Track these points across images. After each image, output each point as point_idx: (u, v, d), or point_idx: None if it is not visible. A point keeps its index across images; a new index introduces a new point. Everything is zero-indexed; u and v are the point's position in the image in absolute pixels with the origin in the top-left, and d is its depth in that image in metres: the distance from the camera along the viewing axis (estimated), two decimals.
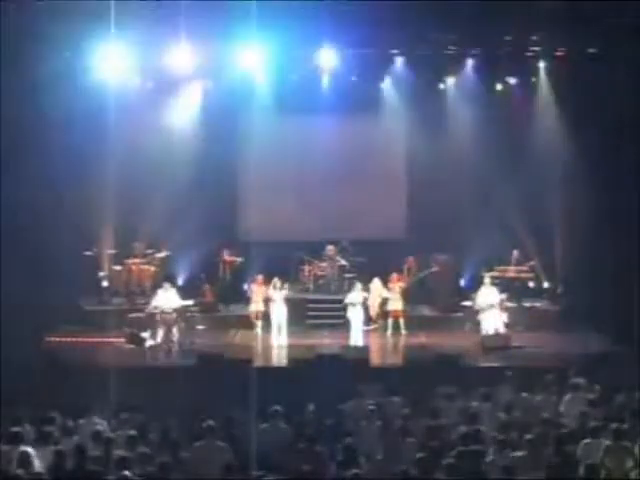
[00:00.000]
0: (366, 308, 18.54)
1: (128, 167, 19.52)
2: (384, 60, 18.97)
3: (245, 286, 20.21)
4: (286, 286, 18.33)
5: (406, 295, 19.21)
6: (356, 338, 17.52)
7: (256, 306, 18.64)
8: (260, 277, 18.78)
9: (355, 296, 17.86)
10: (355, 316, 17.70)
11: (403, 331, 18.61)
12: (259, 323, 18.64)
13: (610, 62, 17.56)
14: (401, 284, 18.97)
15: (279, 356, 17.09)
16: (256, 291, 18.61)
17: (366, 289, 18.41)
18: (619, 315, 16.98)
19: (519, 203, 19.60)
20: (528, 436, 9.76)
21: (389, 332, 18.65)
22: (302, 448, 9.75)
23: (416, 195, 21.58)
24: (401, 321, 18.67)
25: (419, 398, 12.13)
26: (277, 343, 17.62)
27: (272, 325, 17.85)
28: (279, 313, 17.80)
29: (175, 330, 17.39)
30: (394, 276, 18.92)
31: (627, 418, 10.71)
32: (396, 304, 18.68)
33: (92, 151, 18.94)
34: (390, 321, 18.71)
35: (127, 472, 8.67)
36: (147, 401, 12.26)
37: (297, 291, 20.46)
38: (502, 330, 17.68)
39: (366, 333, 18.35)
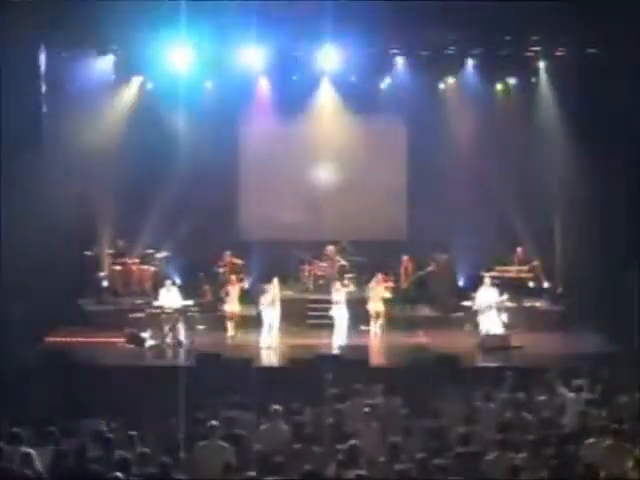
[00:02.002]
0: (365, 308, 18.57)
1: (128, 166, 19.55)
2: (384, 60, 18.96)
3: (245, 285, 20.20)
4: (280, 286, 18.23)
5: (403, 294, 19.20)
6: (341, 338, 17.44)
7: (231, 307, 18.38)
8: (234, 277, 18.67)
9: (337, 295, 17.79)
10: (338, 315, 17.65)
11: (378, 331, 18.39)
12: (232, 323, 18.42)
13: (610, 62, 17.55)
14: (388, 284, 18.88)
15: (278, 356, 17.06)
16: (231, 291, 18.49)
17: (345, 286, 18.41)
18: (619, 315, 16.98)
19: (519, 203, 19.59)
20: (528, 436, 9.77)
21: (375, 333, 18.48)
22: (302, 448, 9.76)
23: (416, 195, 21.59)
24: (379, 322, 18.46)
25: (419, 398, 12.14)
26: (267, 344, 17.48)
27: (263, 325, 17.63)
28: (274, 314, 17.68)
29: (177, 329, 17.44)
30: (379, 277, 18.73)
31: (627, 418, 10.72)
32: (376, 305, 18.45)
33: (92, 150, 18.96)
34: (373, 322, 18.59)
35: (127, 472, 8.67)
36: (147, 401, 12.28)
37: (297, 291, 20.47)
38: (499, 331, 17.66)
39: (366, 333, 18.37)
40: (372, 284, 18.64)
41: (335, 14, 16.29)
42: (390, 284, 19.03)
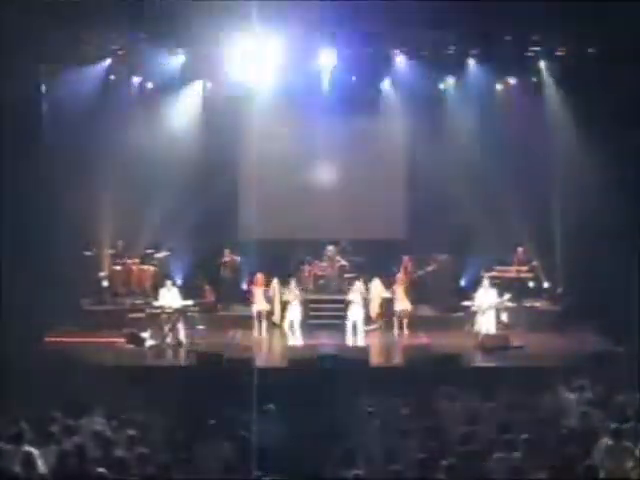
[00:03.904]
0: (367, 308, 18.57)
1: (128, 166, 19.55)
2: (384, 60, 18.96)
3: (244, 286, 20.25)
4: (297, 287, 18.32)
5: (407, 294, 19.27)
6: (357, 338, 17.51)
7: (259, 306, 18.57)
8: (260, 276, 18.74)
9: (355, 295, 17.85)
10: (356, 315, 17.71)
11: (406, 331, 18.59)
12: (263, 323, 18.57)
13: (610, 62, 17.54)
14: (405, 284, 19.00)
15: (280, 356, 17.06)
16: (258, 291, 18.56)
17: (366, 288, 18.45)
18: (619, 315, 16.97)
19: (519, 203, 19.58)
20: (528, 436, 9.76)
21: (395, 332, 18.59)
22: (302, 448, 9.75)
23: (416, 195, 21.60)
24: (405, 321, 18.67)
25: (419, 398, 12.13)
26: (292, 343, 17.55)
27: (287, 326, 17.78)
28: (295, 314, 17.77)
29: (177, 329, 17.45)
30: (399, 276, 18.88)
31: (627, 418, 10.71)
32: (404, 304, 18.65)
33: (92, 150, 18.96)
34: (396, 321, 18.68)
35: (127, 473, 8.67)
36: (147, 401, 12.27)
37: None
38: (494, 331, 17.67)
39: (366, 333, 18.37)
40: (396, 285, 18.67)
41: (335, 14, 16.28)
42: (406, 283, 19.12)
